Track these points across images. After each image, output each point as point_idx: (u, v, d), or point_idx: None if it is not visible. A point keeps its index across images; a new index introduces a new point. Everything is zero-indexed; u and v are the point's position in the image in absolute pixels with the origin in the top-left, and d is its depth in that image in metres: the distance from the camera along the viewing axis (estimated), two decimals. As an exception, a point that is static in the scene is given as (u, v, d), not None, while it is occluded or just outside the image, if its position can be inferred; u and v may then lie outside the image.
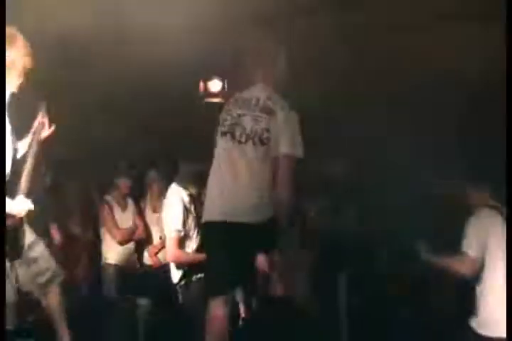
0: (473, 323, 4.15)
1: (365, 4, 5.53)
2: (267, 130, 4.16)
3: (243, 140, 4.21)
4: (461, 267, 4.15)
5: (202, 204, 5.24)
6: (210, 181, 4.35)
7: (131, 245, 6.45)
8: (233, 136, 4.24)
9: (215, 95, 6.53)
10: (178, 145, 5.93)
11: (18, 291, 4.01)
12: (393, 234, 6.36)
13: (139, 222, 6.48)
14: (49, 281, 4.06)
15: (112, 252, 6.36)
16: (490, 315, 4.09)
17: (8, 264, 3.84)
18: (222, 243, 4.20)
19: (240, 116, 4.27)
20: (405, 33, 5.84)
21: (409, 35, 5.85)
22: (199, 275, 5.07)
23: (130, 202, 6.58)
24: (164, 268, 5.95)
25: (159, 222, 5.86)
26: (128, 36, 5.50)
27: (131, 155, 6.84)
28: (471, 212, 4.26)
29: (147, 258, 6.45)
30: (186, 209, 5.19)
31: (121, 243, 6.37)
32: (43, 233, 4.67)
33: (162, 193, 5.94)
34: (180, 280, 5.24)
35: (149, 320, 5.92)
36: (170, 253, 5.22)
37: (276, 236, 4.32)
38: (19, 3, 4.65)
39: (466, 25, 5.59)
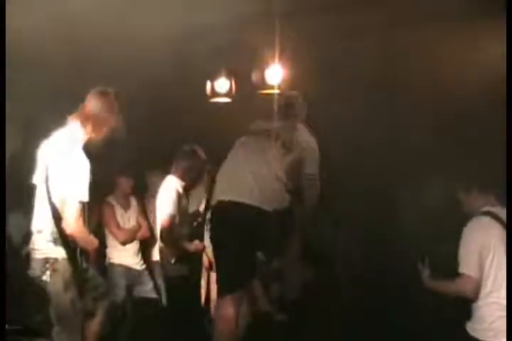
0: (468, 327, 4.11)
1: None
2: (291, 139, 4.48)
3: (266, 136, 4.48)
4: (465, 290, 4.05)
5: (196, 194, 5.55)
6: (225, 166, 4.55)
7: (135, 244, 6.45)
8: (255, 133, 4.54)
9: (222, 95, 6.52)
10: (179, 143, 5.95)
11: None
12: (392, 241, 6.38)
13: (142, 222, 6.49)
14: (99, 298, 4.19)
15: (116, 252, 6.35)
16: (484, 320, 4.04)
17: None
18: (233, 228, 4.27)
19: (263, 124, 4.61)
20: (405, 32, 5.88)
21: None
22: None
23: (133, 201, 6.58)
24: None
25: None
26: (134, 36, 5.49)
27: (134, 155, 6.80)
28: (466, 224, 4.16)
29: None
30: (180, 197, 5.55)
31: (124, 243, 6.37)
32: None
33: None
34: None
35: (157, 318, 5.92)
36: (160, 234, 5.55)
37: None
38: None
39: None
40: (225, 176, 4.50)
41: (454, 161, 5.59)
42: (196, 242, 5.64)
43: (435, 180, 6.18)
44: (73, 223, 3.94)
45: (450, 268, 4.20)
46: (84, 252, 4.02)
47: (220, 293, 4.43)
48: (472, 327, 4.07)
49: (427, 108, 6.45)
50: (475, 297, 4.05)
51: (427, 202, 6.36)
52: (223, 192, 4.41)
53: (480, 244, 4.01)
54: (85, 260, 4.04)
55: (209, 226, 4.95)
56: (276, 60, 5.70)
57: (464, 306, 4.16)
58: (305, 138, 4.63)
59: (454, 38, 5.76)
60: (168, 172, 5.89)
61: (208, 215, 5.09)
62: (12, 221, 5.79)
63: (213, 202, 4.51)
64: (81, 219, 3.98)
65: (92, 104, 4.13)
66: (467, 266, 4.03)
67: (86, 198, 3.97)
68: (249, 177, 4.32)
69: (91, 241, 4.11)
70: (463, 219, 4.26)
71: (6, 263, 4.16)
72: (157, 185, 6.13)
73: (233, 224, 4.32)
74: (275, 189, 4.35)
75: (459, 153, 5.91)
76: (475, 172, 4.37)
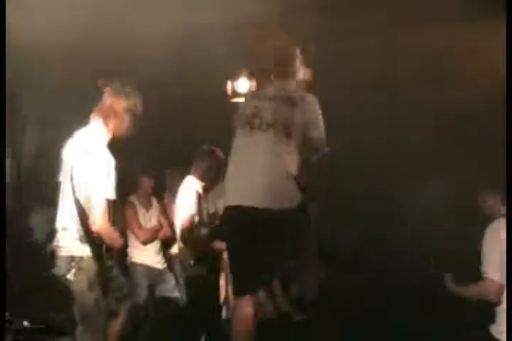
0: (492, 330, 4.07)
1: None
2: (290, 119, 4.15)
3: (264, 128, 4.18)
4: (488, 294, 4.02)
5: (214, 195, 5.63)
6: (230, 170, 4.30)
7: (156, 244, 6.47)
8: (252, 126, 4.21)
9: (242, 95, 6.51)
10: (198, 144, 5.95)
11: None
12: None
13: (163, 221, 6.51)
14: (122, 298, 4.20)
15: (138, 251, 6.38)
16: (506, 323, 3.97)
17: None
18: (247, 232, 4.11)
19: (258, 107, 4.25)
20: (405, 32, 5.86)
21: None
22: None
23: (154, 201, 6.62)
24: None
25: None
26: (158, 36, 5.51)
27: (154, 154, 6.84)
28: (486, 226, 4.12)
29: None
30: (200, 197, 5.58)
31: (145, 242, 6.41)
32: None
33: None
34: None
35: (178, 318, 5.93)
36: (181, 234, 5.55)
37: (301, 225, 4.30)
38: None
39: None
40: (232, 178, 4.27)
41: (476, 163, 5.58)
42: (217, 242, 5.65)
43: (454, 182, 6.17)
44: (99, 220, 3.96)
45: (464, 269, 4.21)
46: (109, 250, 4.02)
47: (234, 293, 4.38)
48: (497, 330, 4.04)
49: (428, 108, 6.42)
50: (498, 300, 4.03)
51: (442, 204, 6.36)
52: (232, 197, 4.23)
53: (504, 246, 3.94)
54: (110, 258, 4.04)
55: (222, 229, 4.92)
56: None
57: (488, 309, 4.14)
58: (307, 106, 4.24)
59: (454, 38, 5.75)
60: (187, 173, 5.92)
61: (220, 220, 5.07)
62: (36, 219, 5.86)
63: (223, 208, 4.33)
64: (107, 217, 3.99)
65: (111, 100, 4.18)
66: (490, 268, 4.00)
67: (113, 195, 4.01)
68: (258, 178, 4.12)
69: (116, 239, 4.12)
70: (478, 220, 4.26)
71: (6, 263, 4.17)
72: (177, 185, 6.17)
73: (244, 228, 4.14)
74: (286, 187, 4.14)
75: (481, 155, 5.90)
76: (499, 174, 4.34)
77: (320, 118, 4.26)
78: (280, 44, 4.51)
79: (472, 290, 4.17)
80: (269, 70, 4.42)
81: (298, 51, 4.46)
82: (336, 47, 6.00)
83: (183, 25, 5.65)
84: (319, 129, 4.23)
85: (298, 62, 4.44)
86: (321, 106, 4.27)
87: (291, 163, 4.16)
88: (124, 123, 4.20)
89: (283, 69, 4.40)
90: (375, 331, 5.59)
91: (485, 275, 4.03)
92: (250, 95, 4.47)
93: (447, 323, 5.49)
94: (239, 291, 4.27)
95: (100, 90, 4.23)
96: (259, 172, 4.10)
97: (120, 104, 4.17)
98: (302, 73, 4.46)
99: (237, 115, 4.36)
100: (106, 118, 4.15)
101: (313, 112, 4.23)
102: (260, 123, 4.19)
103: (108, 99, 4.19)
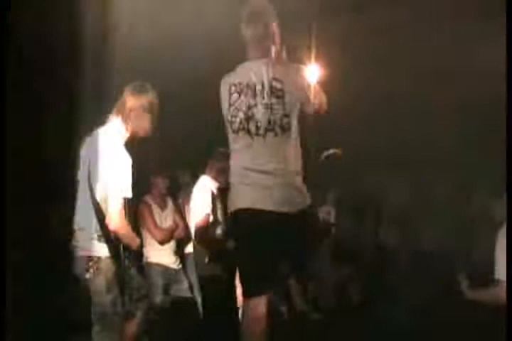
0: None
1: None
2: (286, 115, 3.95)
3: (261, 133, 3.96)
4: (501, 297, 3.92)
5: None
6: (234, 174, 4.15)
7: (172, 243, 6.47)
8: (249, 132, 3.98)
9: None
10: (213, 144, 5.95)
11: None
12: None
13: (178, 221, 6.50)
14: (139, 299, 4.22)
15: (153, 251, 6.36)
16: None
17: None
18: (257, 233, 4.03)
19: (249, 108, 3.98)
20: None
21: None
22: None
23: (169, 201, 6.60)
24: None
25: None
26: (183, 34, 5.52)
27: (169, 154, 6.84)
28: (498, 228, 4.08)
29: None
30: (214, 197, 5.64)
31: (162, 242, 6.40)
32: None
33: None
34: None
35: (195, 320, 5.94)
36: (196, 233, 5.63)
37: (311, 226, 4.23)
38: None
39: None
40: (238, 182, 4.11)
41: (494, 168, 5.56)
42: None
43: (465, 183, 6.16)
44: (116, 219, 3.97)
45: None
46: (126, 250, 4.03)
47: (250, 293, 4.33)
48: None
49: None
50: None
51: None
52: (241, 200, 4.08)
53: None
54: (127, 258, 4.05)
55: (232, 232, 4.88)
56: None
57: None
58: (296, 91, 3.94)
59: (452, 37, 5.74)
60: (202, 173, 5.92)
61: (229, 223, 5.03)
62: (55, 218, 5.83)
63: (232, 210, 4.16)
64: (124, 216, 4.00)
65: (130, 100, 4.19)
66: (501, 272, 3.96)
67: (129, 194, 4.02)
68: (265, 181, 3.98)
69: (133, 238, 4.12)
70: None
71: (6, 263, 4.17)
72: (191, 185, 6.18)
73: (255, 229, 4.05)
74: (295, 187, 4.03)
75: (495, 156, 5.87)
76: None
77: (311, 92, 3.96)
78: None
79: (487, 295, 4.15)
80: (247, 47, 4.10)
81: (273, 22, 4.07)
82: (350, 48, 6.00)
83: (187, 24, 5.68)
84: (312, 104, 3.99)
85: (275, 35, 4.06)
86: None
87: (296, 158, 4.06)
88: (143, 122, 4.20)
89: (260, 44, 4.05)
90: (391, 332, 5.59)
91: (497, 278, 4.00)
92: (233, 92, 4.02)
93: (466, 325, 5.48)
94: (251, 292, 4.24)
95: (120, 89, 4.25)
96: (265, 176, 4.00)
97: (139, 103, 4.17)
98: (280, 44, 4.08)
99: (228, 118, 4.06)
100: (125, 117, 4.16)
101: (301, 96, 3.97)
102: (256, 128, 3.97)
103: (127, 98, 4.20)
